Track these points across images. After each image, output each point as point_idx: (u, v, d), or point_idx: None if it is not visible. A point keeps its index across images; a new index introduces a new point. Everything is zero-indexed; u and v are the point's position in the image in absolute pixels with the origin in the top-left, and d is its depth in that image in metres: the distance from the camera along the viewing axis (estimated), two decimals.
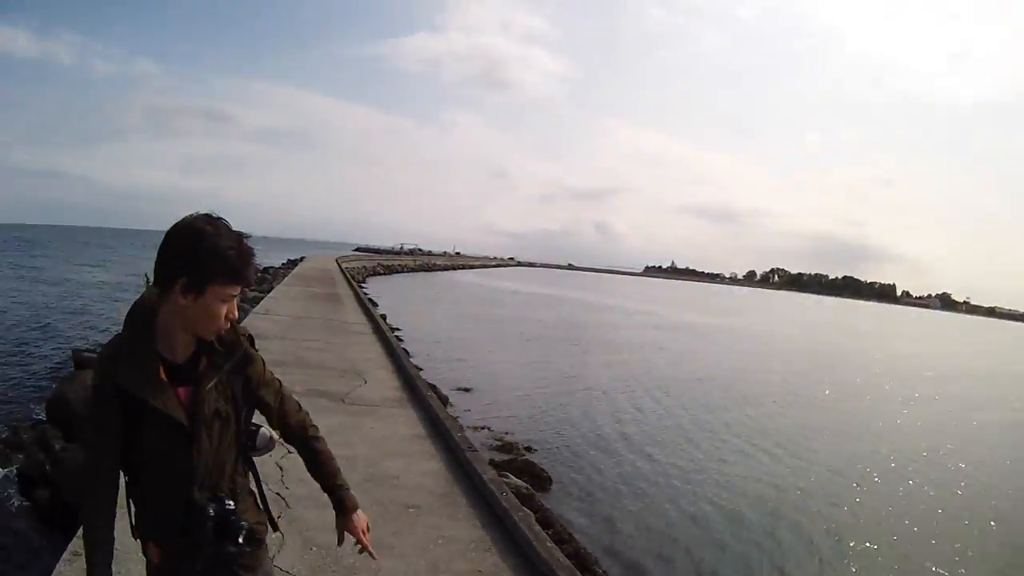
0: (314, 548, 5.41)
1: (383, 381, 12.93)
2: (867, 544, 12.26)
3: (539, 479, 12.93)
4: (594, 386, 23.68)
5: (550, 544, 6.12)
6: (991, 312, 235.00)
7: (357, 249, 76.74)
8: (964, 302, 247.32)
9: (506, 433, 15.45)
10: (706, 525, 12.16)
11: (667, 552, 10.82)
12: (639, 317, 60.13)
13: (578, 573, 5.75)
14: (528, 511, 6.90)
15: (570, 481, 13.49)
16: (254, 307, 20.71)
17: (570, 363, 28.11)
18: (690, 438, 17.94)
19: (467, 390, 19.63)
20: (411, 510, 6.56)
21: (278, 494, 6.26)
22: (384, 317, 27.91)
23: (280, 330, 16.61)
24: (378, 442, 8.74)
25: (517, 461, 13.42)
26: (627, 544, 10.90)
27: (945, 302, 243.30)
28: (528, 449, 14.79)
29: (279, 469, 6.81)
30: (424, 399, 11.59)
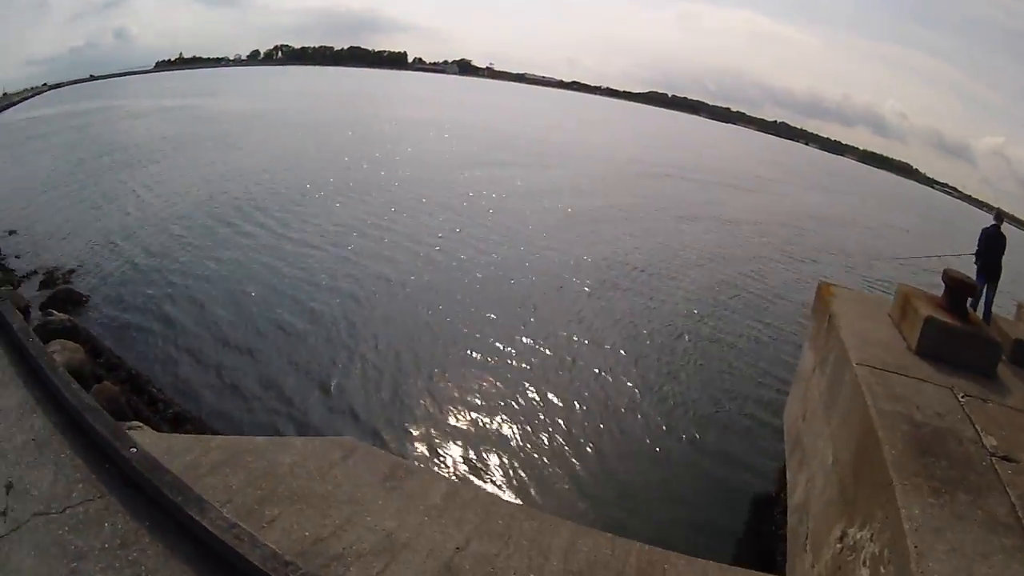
0: None
1: None
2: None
3: (79, 302, 14.35)
4: (123, 202, 25.05)
5: (76, 386, 6.92)
6: (521, 77, 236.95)
7: None
8: (487, 68, 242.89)
9: (55, 268, 16.76)
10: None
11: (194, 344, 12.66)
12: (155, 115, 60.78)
13: (99, 407, 6.67)
14: (53, 359, 7.64)
15: (111, 296, 15.10)
16: None
17: (101, 180, 29.25)
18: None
19: (13, 232, 20.08)
20: None
21: None
22: None
23: None
24: None
25: (60, 292, 14.55)
26: (165, 348, 12.44)
27: (463, 67, 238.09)
28: (70, 273, 16.38)
29: None
30: None
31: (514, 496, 8.74)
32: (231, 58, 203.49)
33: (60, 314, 11.69)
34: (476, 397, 11.78)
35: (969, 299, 8.18)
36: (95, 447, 6.11)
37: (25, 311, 12.73)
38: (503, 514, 6.04)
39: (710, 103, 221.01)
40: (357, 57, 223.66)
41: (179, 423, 9.32)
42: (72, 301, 14.17)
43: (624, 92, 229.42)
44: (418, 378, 12.13)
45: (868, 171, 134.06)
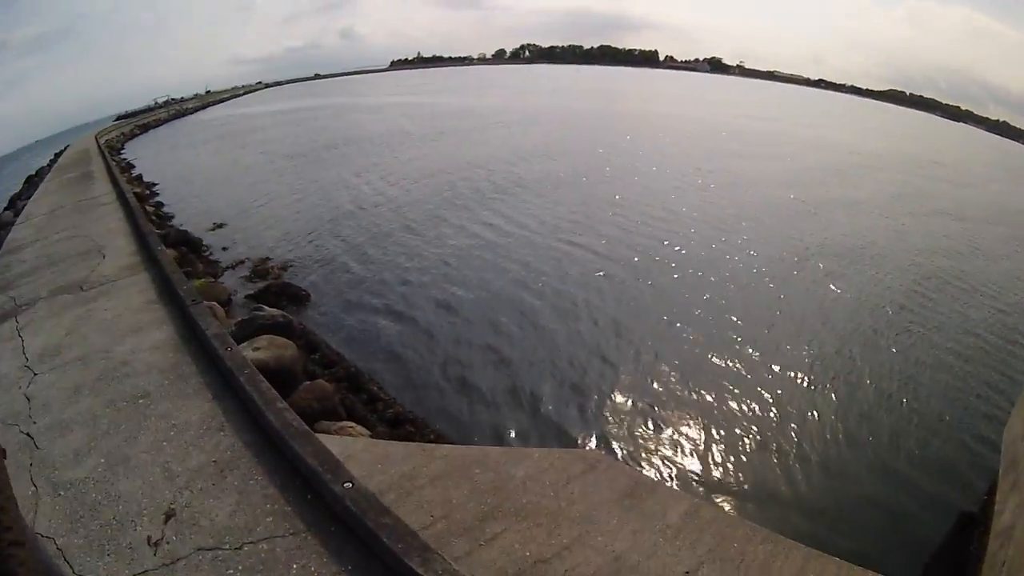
0: (62, 492, 5.37)
1: (121, 249, 13.20)
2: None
3: (297, 298, 13.56)
4: (346, 192, 24.36)
5: (281, 404, 6.18)
6: (771, 75, 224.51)
7: (118, 118, 74.81)
8: (737, 65, 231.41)
9: (265, 259, 16.19)
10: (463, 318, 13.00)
11: (425, 349, 11.47)
12: (389, 110, 60.97)
13: (309, 431, 5.83)
14: (254, 369, 7.00)
15: (330, 291, 14.19)
16: (17, 217, 19.80)
17: (322, 174, 28.53)
18: (440, 230, 18.98)
19: (221, 226, 19.92)
20: (141, 401, 6.69)
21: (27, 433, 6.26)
22: (140, 177, 29.51)
23: (34, 233, 16.22)
24: (111, 324, 9.00)
25: (273, 286, 13.92)
26: (390, 346, 11.50)
27: (715, 65, 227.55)
28: (284, 269, 15.53)
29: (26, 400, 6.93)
30: (156, 258, 11.74)
31: (752, 515, 7.79)
32: (475, 57, 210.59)
33: (271, 309, 11.08)
34: (725, 405, 10.61)
35: None
36: (298, 474, 5.43)
37: (228, 303, 12.75)
38: (739, 536, 5.40)
39: (942, 101, 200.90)
40: (608, 55, 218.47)
41: (398, 424, 8.59)
42: (288, 295, 13.50)
43: (867, 90, 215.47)
44: (668, 384, 10.97)
45: None
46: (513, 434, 9.09)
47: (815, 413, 10.86)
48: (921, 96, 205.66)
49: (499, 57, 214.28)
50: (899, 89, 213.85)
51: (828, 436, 10.27)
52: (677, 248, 18.23)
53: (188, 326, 8.61)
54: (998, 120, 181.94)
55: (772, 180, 30.01)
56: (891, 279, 18.36)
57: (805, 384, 11.67)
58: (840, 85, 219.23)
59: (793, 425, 10.42)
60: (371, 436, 7.51)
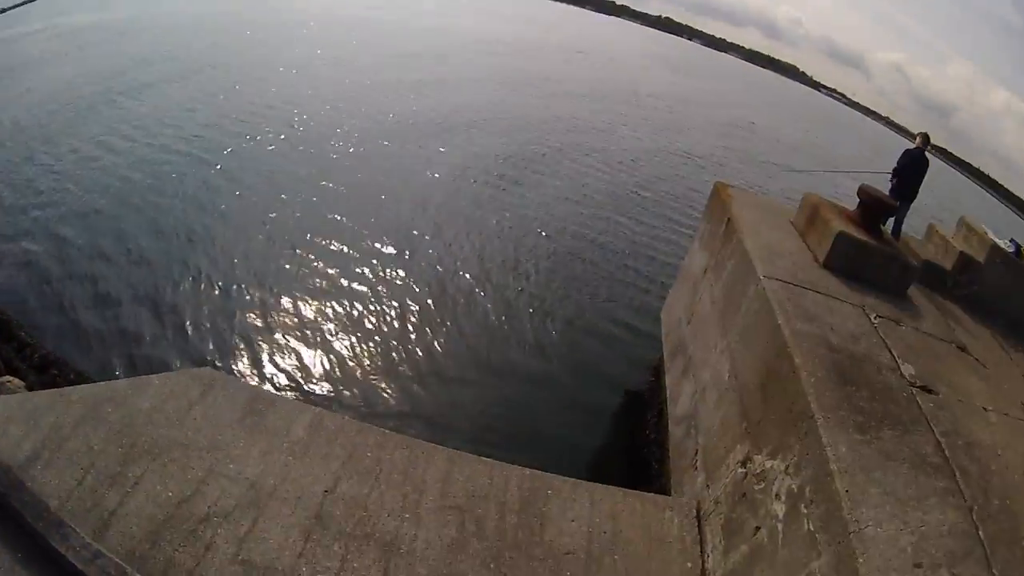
0: None
1: None
2: None
3: None
4: None
5: None
6: None
7: None
8: None
9: None
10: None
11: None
12: None
13: None
14: None
15: None
16: None
17: None
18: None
19: None
20: None
21: None
22: None
23: None
24: None
25: None
26: (28, 284, 10.75)
27: None
28: None
29: None
30: None
31: (382, 421, 8.09)
32: None
33: None
34: (337, 306, 10.97)
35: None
36: None
37: None
38: (371, 445, 5.40)
39: None
40: None
41: (44, 368, 8.53)
42: None
43: None
44: (273, 289, 11.17)
45: (751, 68, 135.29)
46: (138, 356, 9.23)
47: (447, 306, 11.60)
48: None
49: None
50: None
51: (463, 330, 11.07)
52: (261, 141, 18.32)
53: None
54: (660, 16, 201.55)
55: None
56: (536, 178, 19.74)
57: (428, 274, 12.42)
58: None
59: (420, 320, 11.08)
60: (25, 385, 7.57)
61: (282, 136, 19.09)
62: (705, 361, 6.98)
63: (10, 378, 7.67)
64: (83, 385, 6.25)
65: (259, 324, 10.24)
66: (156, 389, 5.70)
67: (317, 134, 19.73)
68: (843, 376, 4.97)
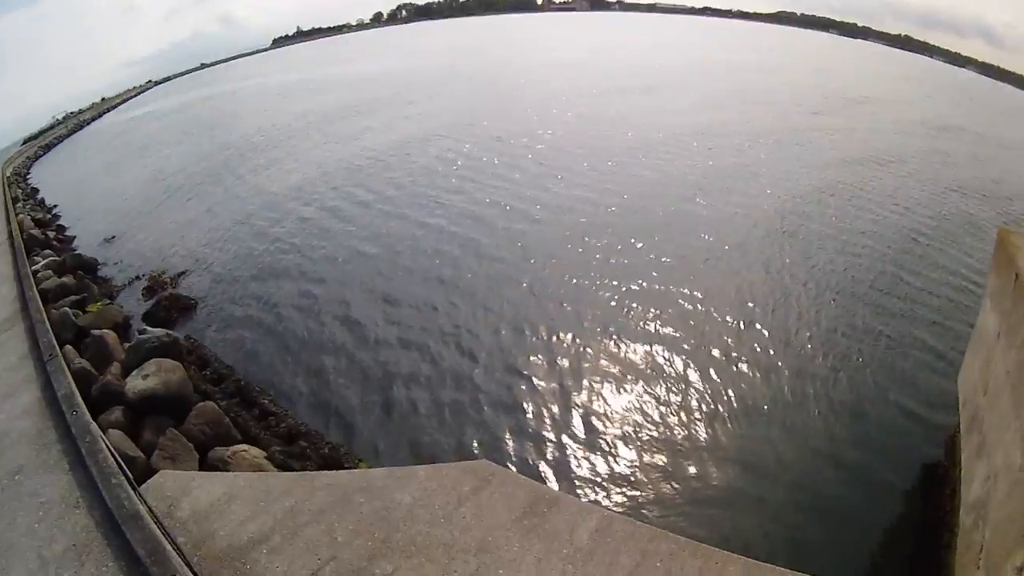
0: None
1: (3, 297, 12.73)
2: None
3: (186, 309, 13.65)
4: (239, 195, 23.69)
5: (115, 481, 5.89)
6: (652, 8, 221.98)
7: (25, 142, 73.89)
8: (617, 1, 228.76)
9: (161, 272, 15.88)
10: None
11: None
12: (281, 92, 60.04)
13: (137, 513, 5.46)
14: (96, 437, 6.72)
15: (220, 298, 13.88)
16: None
17: (213, 176, 27.86)
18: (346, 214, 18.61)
19: (113, 239, 19.75)
20: (17, 478, 6.42)
21: None
22: (43, 202, 29.06)
23: None
24: None
25: (163, 300, 13.98)
26: (279, 353, 11.15)
27: (594, 3, 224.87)
28: (177, 279, 15.44)
29: None
30: (30, 306, 11.43)
31: (675, 525, 7.22)
32: (353, 23, 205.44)
33: (155, 329, 10.97)
34: (630, 393, 9.93)
35: None
36: (139, 562, 5.09)
37: (124, 325, 12.80)
38: (662, 553, 4.88)
39: (837, 19, 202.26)
40: (485, 5, 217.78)
41: (292, 440, 8.54)
42: (180, 307, 13.49)
43: (754, 14, 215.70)
44: (561, 371, 10.29)
45: (992, 84, 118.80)
46: (399, 446, 8.69)
47: (736, 392, 10.21)
48: (813, 15, 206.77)
49: (377, 20, 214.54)
50: (789, 11, 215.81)
51: (753, 421, 9.66)
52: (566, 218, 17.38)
53: (49, 385, 8.21)
54: (900, 35, 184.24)
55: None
56: (792, 206, 18.22)
57: (724, 362, 10.98)
58: (727, 11, 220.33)
59: (715, 410, 9.80)
60: (266, 456, 7.62)
61: (559, 190, 18.96)
62: (998, 441, 5.81)
63: (245, 447, 7.78)
64: (332, 471, 6.38)
65: (543, 412, 9.43)
66: (421, 482, 5.54)
67: (607, 188, 19.30)
68: None
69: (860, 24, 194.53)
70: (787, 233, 16.37)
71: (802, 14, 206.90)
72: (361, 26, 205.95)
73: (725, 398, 9.98)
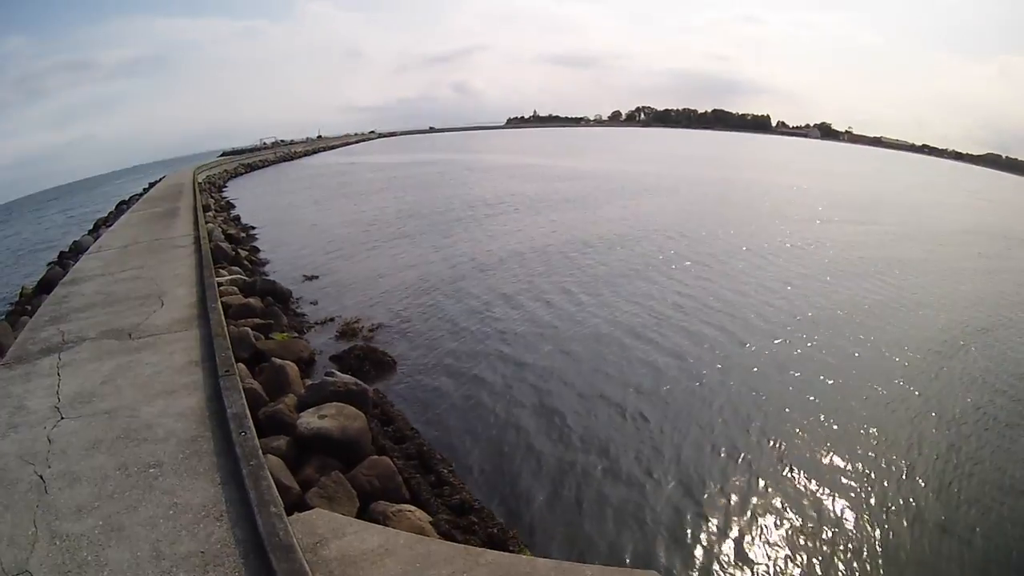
0: (57, 541, 5.75)
1: (180, 300, 13.31)
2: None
3: (381, 364, 13.10)
4: (453, 259, 22.98)
5: (275, 509, 5.96)
6: (878, 141, 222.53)
7: (223, 154, 75.86)
8: (846, 131, 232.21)
9: (355, 320, 15.60)
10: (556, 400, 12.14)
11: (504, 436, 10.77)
12: (510, 171, 58.10)
13: (292, 545, 5.50)
14: (262, 462, 6.78)
15: (418, 362, 13.49)
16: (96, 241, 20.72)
17: (431, 238, 26.95)
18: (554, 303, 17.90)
19: (313, 278, 19.62)
20: (152, 470, 6.84)
21: (40, 476, 6.79)
22: (238, 219, 29.84)
23: (102, 266, 16.91)
24: (147, 382, 9.09)
25: (357, 349, 13.56)
26: (471, 428, 10.90)
27: (825, 131, 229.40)
28: (373, 332, 14.99)
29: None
30: (211, 316, 11.64)
31: None
32: (591, 118, 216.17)
33: (343, 375, 10.72)
34: (812, 525, 9.51)
35: None
36: None
37: (308, 361, 12.82)
38: None
39: None
40: (721, 120, 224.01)
41: (463, 513, 8.12)
42: (374, 360, 13.11)
43: (967, 155, 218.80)
44: (747, 499, 9.96)
45: None
46: (565, 543, 8.38)
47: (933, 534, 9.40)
48: (1017, 159, 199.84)
49: (615, 119, 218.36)
50: (996, 152, 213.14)
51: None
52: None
53: (218, 397, 8.40)
54: None
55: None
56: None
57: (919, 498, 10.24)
58: (942, 150, 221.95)
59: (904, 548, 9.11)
60: (431, 521, 7.44)
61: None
62: None
63: (412, 508, 7.53)
64: (497, 551, 6.14)
65: (723, 532, 9.03)
66: None
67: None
68: None
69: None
70: None
71: (1007, 157, 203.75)
72: (598, 122, 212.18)
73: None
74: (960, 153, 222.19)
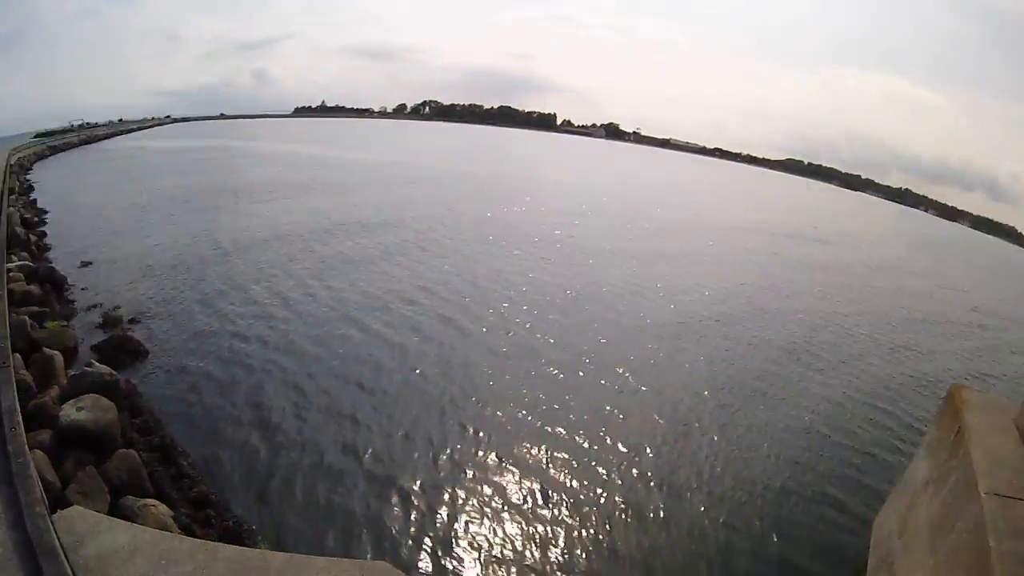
0: None
1: None
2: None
3: (136, 354, 13.29)
4: (224, 244, 23.89)
5: (39, 510, 6.02)
6: (666, 143, 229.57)
7: (37, 136, 74.44)
8: (633, 132, 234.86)
9: (116, 307, 15.70)
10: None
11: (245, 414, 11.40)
12: (271, 159, 60.75)
13: (55, 547, 5.57)
14: (28, 459, 6.86)
15: (174, 350, 13.80)
16: None
17: (207, 223, 27.79)
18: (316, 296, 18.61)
19: (88, 264, 19.58)
20: None
21: None
22: (35, 202, 29.74)
23: None
24: None
25: (115, 338, 13.58)
26: (214, 419, 11.19)
27: (611, 131, 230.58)
28: (135, 321, 15.17)
29: None
30: None
31: None
32: (376, 110, 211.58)
33: (100, 366, 10.90)
34: (538, 504, 9.98)
35: None
36: None
37: (73, 351, 12.73)
38: None
39: (843, 171, 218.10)
40: (506, 116, 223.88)
41: (200, 506, 8.47)
42: (128, 351, 13.14)
43: (763, 159, 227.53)
44: (474, 483, 10.40)
45: (981, 238, 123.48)
46: (302, 537, 8.58)
47: (659, 501, 10.34)
48: (819, 165, 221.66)
49: (399, 112, 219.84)
50: (796, 158, 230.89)
51: (677, 530, 9.73)
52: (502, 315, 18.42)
53: None
54: (901, 188, 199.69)
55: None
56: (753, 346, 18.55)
57: (647, 468, 11.20)
58: (736, 154, 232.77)
59: (638, 520, 9.86)
60: (172, 516, 7.75)
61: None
62: None
63: (155, 502, 7.83)
64: (234, 546, 6.42)
65: (450, 523, 9.28)
66: (318, 571, 5.69)
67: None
68: None
69: (864, 176, 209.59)
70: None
71: (809, 163, 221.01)
72: (383, 114, 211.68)
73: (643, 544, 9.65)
74: (755, 157, 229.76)
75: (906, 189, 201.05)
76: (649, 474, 11.13)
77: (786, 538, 9.84)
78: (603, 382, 14.62)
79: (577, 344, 16.68)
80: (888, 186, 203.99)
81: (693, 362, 16.65)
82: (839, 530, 10.29)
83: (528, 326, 17.66)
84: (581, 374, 14.92)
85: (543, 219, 36.70)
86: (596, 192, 57.38)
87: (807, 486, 11.48)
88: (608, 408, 13.32)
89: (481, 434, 11.81)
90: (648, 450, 11.94)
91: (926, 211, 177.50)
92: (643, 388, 14.60)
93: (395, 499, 9.59)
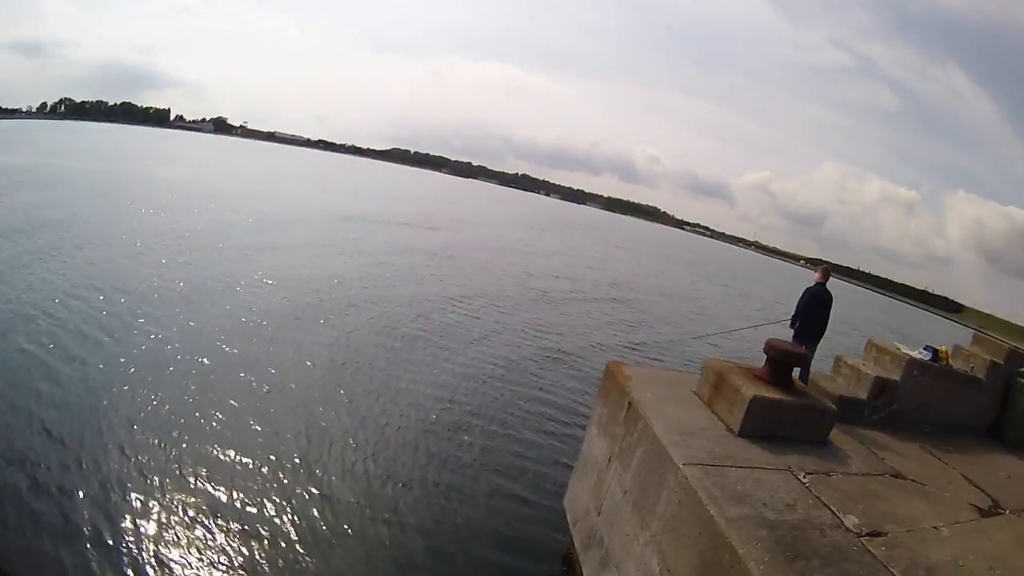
0: None
1: None
2: None
3: None
4: None
5: None
6: (271, 136, 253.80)
7: None
8: (240, 126, 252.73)
9: None
10: None
11: None
12: None
13: None
14: None
15: None
16: None
17: None
18: None
19: None
20: None
21: None
22: None
23: None
24: None
25: None
26: None
27: (219, 126, 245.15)
28: None
29: None
30: None
31: None
32: (23, 109, 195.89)
33: None
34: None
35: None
36: None
37: None
38: None
39: (453, 159, 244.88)
40: (128, 113, 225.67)
41: None
42: None
43: (368, 149, 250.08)
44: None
45: (612, 218, 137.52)
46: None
47: (317, 504, 9.61)
48: (428, 154, 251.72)
49: (42, 111, 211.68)
50: (403, 148, 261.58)
51: (356, 525, 9.19)
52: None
53: None
54: (517, 173, 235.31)
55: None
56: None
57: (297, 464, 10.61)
58: (340, 145, 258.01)
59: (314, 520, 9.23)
60: None
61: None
62: (628, 553, 6.39)
63: None
64: None
65: (141, 538, 8.37)
66: None
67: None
68: (789, 552, 4.87)
69: (476, 164, 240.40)
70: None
71: (415, 152, 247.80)
72: (29, 113, 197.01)
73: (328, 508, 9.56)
74: (360, 148, 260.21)
75: (523, 174, 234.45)
76: (310, 493, 10.09)
77: (480, 541, 9.48)
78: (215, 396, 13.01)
79: (192, 347, 15.21)
80: (503, 172, 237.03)
81: (316, 359, 16.01)
82: (533, 522, 10.15)
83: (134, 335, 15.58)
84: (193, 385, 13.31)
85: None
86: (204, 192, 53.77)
87: (482, 481, 11.24)
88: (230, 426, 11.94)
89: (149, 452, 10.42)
90: (300, 466, 10.88)
91: (548, 195, 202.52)
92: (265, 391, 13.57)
93: (88, 519, 8.48)
